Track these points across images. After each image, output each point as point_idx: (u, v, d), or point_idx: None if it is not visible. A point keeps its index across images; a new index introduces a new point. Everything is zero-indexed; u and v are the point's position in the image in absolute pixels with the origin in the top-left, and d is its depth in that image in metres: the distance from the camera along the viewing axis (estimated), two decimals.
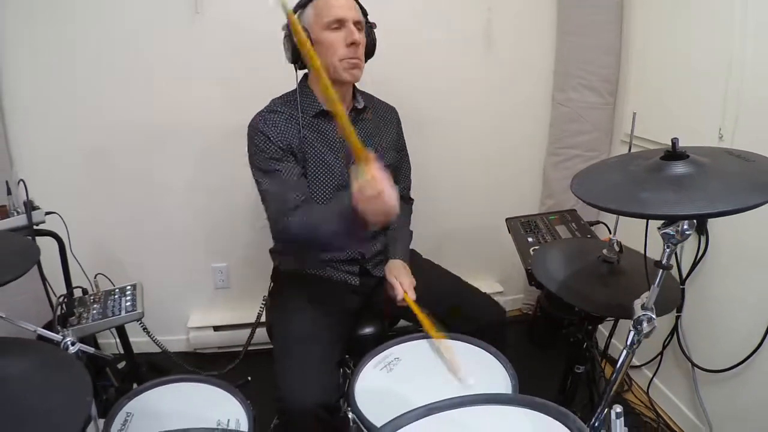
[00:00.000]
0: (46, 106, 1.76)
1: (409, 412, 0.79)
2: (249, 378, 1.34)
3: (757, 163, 0.80)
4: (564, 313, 1.52)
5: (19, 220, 1.36)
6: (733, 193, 0.74)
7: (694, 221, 0.78)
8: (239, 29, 1.79)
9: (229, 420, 1.01)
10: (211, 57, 1.80)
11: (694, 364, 1.58)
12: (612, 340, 1.66)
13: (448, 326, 1.27)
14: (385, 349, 1.18)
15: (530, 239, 1.47)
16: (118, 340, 1.55)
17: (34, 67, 1.72)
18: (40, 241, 1.31)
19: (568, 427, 0.72)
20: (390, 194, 0.96)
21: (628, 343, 0.89)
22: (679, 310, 1.59)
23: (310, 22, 1.25)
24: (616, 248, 1.15)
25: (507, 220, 1.59)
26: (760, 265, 1.36)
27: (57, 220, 1.48)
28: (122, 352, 1.58)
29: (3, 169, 1.66)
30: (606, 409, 0.90)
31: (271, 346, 1.26)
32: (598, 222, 1.69)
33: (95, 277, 1.57)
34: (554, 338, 2.01)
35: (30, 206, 1.37)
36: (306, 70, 1.34)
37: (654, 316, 0.86)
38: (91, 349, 1.08)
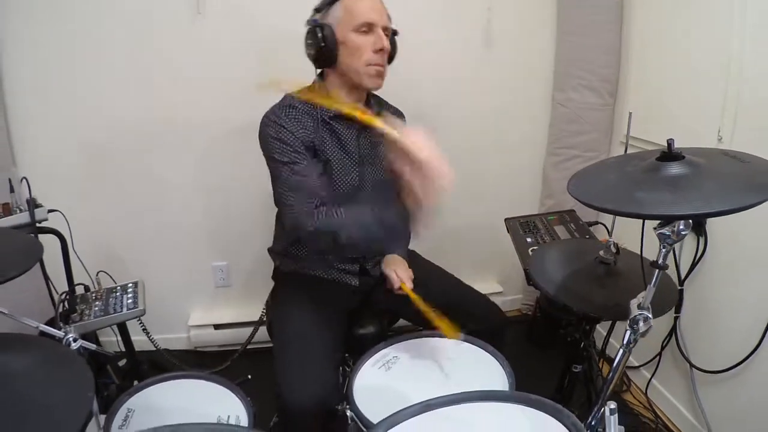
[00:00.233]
0: (49, 104, 1.77)
1: (405, 408, 0.80)
2: (249, 376, 1.35)
3: (752, 164, 0.80)
4: (563, 313, 1.52)
5: (21, 218, 1.37)
6: (728, 193, 0.75)
7: (690, 221, 0.79)
8: (240, 29, 1.79)
9: (229, 416, 1.02)
10: (212, 56, 1.81)
11: (692, 365, 1.58)
12: (610, 339, 1.66)
13: None
14: (383, 348, 1.19)
15: (529, 239, 1.47)
16: (119, 338, 1.56)
17: (36, 65, 1.73)
18: (43, 238, 1.32)
19: (563, 423, 0.73)
20: (439, 159, 0.99)
21: (625, 342, 0.89)
22: (678, 310, 1.59)
23: (338, 21, 1.21)
24: (613, 249, 1.15)
25: (506, 220, 1.60)
26: (758, 266, 1.37)
27: (59, 218, 1.49)
28: (123, 349, 1.59)
29: (6, 167, 1.67)
30: (603, 408, 0.91)
31: (272, 345, 1.26)
32: (597, 223, 1.70)
33: (97, 275, 1.58)
34: (553, 338, 2.00)
35: (33, 204, 1.38)
36: (322, 69, 1.30)
37: (650, 316, 0.87)
38: (92, 346, 1.09)
